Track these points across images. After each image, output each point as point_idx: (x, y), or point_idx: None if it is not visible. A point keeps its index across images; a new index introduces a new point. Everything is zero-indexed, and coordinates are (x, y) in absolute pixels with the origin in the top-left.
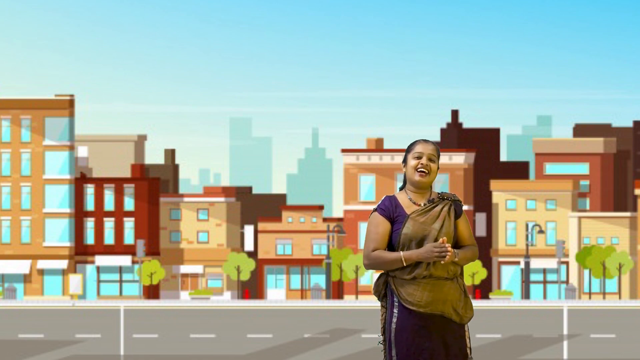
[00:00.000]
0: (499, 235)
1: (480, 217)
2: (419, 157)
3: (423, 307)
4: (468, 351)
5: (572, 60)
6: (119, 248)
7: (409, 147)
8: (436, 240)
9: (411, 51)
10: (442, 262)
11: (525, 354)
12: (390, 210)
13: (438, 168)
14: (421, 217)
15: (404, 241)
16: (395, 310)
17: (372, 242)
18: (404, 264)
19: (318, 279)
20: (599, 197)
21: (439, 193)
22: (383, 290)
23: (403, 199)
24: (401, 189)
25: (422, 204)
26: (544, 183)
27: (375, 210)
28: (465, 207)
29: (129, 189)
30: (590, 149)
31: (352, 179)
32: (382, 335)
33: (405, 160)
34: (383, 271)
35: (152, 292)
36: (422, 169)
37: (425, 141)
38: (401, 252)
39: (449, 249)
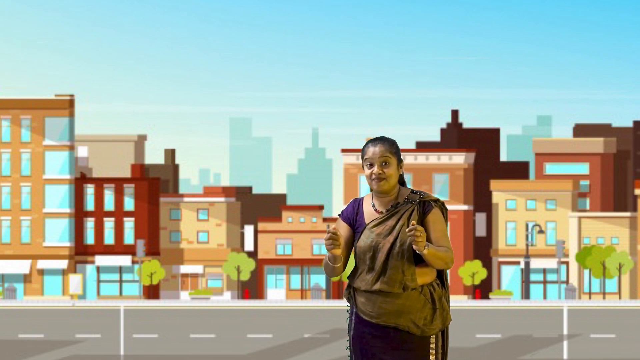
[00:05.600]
0: (499, 235)
1: (480, 217)
2: (371, 165)
3: (375, 318)
4: None
5: (572, 60)
6: (119, 248)
7: (361, 152)
8: (389, 253)
9: (411, 51)
10: (417, 249)
11: (525, 354)
12: (351, 217)
13: (400, 162)
14: (377, 227)
15: (359, 254)
16: (353, 318)
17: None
18: (333, 265)
19: (318, 279)
20: (599, 197)
21: (411, 192)
22: (348, 296)
23: (367, 204)
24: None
25: (385, 211)
26: (544, 183)
27: (339, 215)
28: (464, 207)
29: (129, 189)
30: (590, 149)
31: (352, 179)
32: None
33: (363, 167)
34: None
35: (152, 292)
36: (376, 178)
37: (374, 142)
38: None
39: (335, 235)
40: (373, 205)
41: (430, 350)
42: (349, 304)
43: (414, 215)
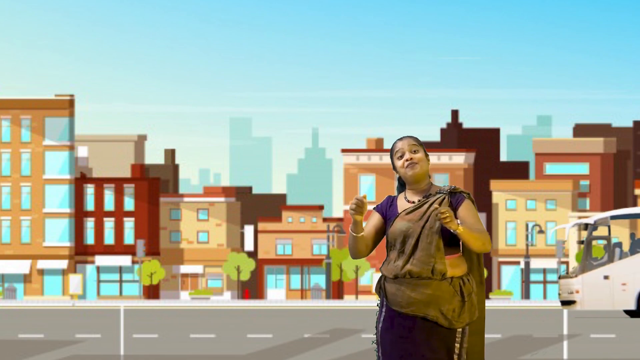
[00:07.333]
0: (499, 235)
1: (481, 217)
2: (402, 155)
3: (404, 307)
4: (455, 357)
5: (572, 60)
6: (119, 248)
7: (390, 152)
8: (418, 238)
9: (411, 51)
10: (450, 228)
11: (525, 354)
12: (385, 208)
13: (427, 156)
14: (409, 215)
15: (390, 240)
16: (383, 310)
17: None
18: (354, 234)
19: (318, 279)
20: (599, 197)
21: (440, 187)
22: (378, 289)
23: (401, 198)
24: (399, 191)
25: (417, 200)
26: (544, 183)
27: (373, 208)
28: None
29: (129, 189)
30: (590, 149)
31: (352, 179)
32: (375, 334)
33: (394, 166)
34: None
35: (152, 292)
36: (409, 162)
37: (401, 138)
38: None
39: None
40: (405, 198)
41: (456, 344)
42: (380, 298)
43: (444, 202)
